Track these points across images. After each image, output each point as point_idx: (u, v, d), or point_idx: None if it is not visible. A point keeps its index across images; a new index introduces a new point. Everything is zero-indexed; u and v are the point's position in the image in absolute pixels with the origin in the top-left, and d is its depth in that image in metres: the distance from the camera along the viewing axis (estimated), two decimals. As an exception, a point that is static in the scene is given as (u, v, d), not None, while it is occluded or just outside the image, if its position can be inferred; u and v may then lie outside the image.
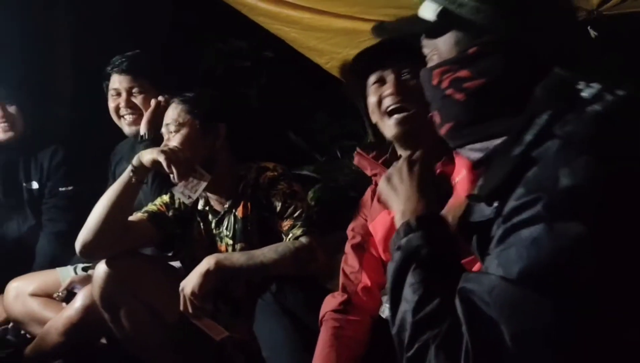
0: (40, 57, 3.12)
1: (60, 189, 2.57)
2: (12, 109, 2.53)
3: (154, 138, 2.09)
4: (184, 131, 1.84)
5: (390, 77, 1.38)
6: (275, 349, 1.54)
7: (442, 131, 0.96)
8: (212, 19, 3.18)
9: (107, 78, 2.27)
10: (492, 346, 0.75)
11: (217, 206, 1.91)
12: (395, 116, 1.37)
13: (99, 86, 2.34)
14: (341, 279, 1.55)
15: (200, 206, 1.93)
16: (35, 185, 2.58)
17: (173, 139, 1.85)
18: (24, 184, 2.58)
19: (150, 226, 1.87)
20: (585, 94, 0.82)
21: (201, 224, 1.93)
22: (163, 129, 1.90)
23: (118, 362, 2.05)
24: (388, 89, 1.37)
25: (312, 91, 3.12)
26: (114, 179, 2.39)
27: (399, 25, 1.02)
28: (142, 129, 2.20)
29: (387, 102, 1.37)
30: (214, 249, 1.87)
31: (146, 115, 2.21)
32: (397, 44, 1.30)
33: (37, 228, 2.58)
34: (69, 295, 2.11)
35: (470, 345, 0.77)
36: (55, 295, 2.14)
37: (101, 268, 1.79)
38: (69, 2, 3.21)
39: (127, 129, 2.28)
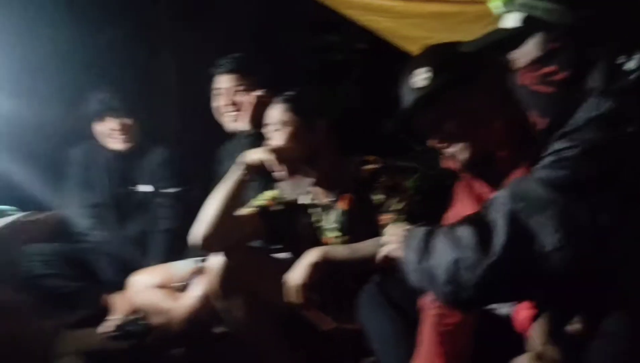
0: (146, 65, 3.31)
1: (168, 189, 2.73)
2: (128, 120, 2.69)
3: (257, 134, 2.15)
4: (286, 129, 1.88)
5: (431, 137, 1.38)
6: (383, 341, 1.55)
7: (542, 126, 1.08)
8: (303, 15, 3.22)
9: (213, 79, 2.36)
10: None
11: (321, 200, 1.95)
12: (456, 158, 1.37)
13: (201, 87, 2.44)
14: None
15: (305, 200, 1.97)
16: (146, 188, 2.75)
17: (276, 137, 1.90)
18: (137, 187, 2.75)
19: (258, 220, 1.94)
20: (627, 66, 0.97)
21: (306, 217, 1.98)
22: (266, 129, 1.96)
23: (236, 350, 2.13)
24: (436, 144, 1.38)
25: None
26: (221, 178, 2.51)
27: (485, 38, 1.13)
28: (244, 124, 2.28)
29: (444, 151, 1.39)
30: (318, 242, 1.91)
31: (247, 110, 2.28)
32: (419, 103, 1.34)
33: (151, 228, 2.74)
34: (188, 287, 2.24)
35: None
36: (174, 286, 2.28)
37: (215, 261, 1.88)
38: (170, 7, 3.38)
39: (230, 127, 2.36)
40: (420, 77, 1.31)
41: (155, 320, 2.33)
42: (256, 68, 2.38)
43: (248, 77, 2.33)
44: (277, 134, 1.90)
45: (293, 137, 1.87)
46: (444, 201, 1.83)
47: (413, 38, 2.46)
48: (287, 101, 1.92)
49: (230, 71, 2.33)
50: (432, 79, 1.31)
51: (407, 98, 1.35)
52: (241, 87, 2.32)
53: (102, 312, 2.61)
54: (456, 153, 1.34)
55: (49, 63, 2.96)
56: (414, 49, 2.50)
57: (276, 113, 1.92)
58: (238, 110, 2.32)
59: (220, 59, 2.37)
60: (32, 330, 2.23)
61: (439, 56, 1.35)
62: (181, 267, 2.34)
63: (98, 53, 3.06)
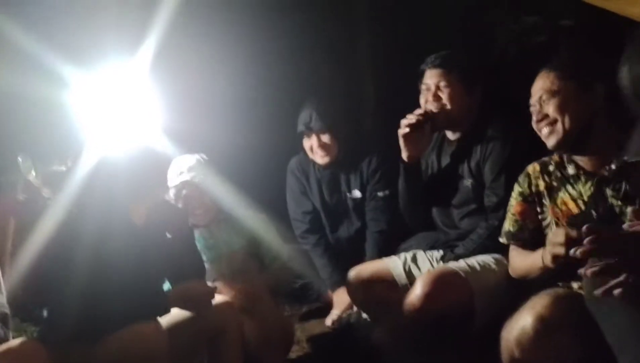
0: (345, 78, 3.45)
1: (379, 193, 2.82)
2: (325, 138, 2.82)
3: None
4: (559, 97, 1.75)
5: None
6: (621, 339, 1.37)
7: None
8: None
9: (422, 75, 2.37)
10: None
11: (589, 169, 1.77)
12: None
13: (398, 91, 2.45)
14: None
15: (571, 171, 1.81)
16: (357, 193, 2.87)
17: (547, 106, 1.76)
18: (348, 194, 2.89)
19: None
20: None
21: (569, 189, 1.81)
22: (533, 101, 1.81)
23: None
24: None
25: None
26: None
27: None
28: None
29: None
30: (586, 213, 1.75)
31: (452, 108, 2.29)
32: None
33: (363, 230, 2.87)
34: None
35: None
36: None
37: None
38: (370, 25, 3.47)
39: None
40: None
41: (374, 314, 2.40)
42: (462, 66, 2.33)
43: (454, 74, 2.30)
44: (546, 103, 1.76)
45: (565, 105, 1.73)
46: None
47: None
48: (556, 68, 1.77)
49: (436, 66, 2.32)
50: None
51: None
52: (444, 84, 2.30)
53: (327, 306, 2.83)
54: None
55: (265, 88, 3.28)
56: (637, 10, 2.26)
57: (544, 83, 1.77)
58: (443, 107, 2.30)
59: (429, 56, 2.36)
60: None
61: None
62: (392, 264, 2.37)
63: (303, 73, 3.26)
